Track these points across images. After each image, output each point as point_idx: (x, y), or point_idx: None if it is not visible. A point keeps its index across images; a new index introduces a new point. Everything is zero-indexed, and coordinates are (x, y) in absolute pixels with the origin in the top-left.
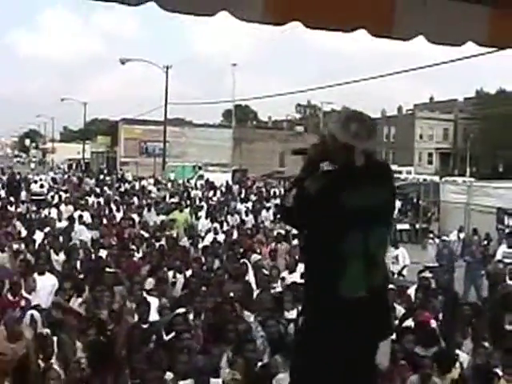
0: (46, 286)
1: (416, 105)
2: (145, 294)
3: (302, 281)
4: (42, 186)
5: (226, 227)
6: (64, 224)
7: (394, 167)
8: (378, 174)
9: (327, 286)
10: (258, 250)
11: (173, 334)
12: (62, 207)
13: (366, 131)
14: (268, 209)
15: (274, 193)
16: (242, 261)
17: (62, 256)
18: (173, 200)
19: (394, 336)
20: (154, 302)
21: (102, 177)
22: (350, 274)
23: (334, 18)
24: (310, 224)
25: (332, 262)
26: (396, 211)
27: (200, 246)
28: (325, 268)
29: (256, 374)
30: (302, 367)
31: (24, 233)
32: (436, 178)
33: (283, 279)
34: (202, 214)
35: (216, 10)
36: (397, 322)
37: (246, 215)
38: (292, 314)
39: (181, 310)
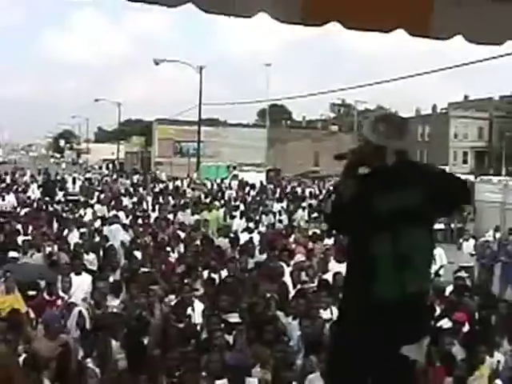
0: (82, 285)
1: (450, 103)
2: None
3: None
4: (74, 182)
5: (260, 227)
6: (99, 224)
7: None
8: (411, 174)
9: (360, 289)
10: (296, 250)
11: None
12: (97, 207)
13: (396, 131)
14: (303, 208)
15: (310, 192)
16: (279, 263)
17: (91, 255)
18: (206, 200)
19: (428, 339)
20: (199, 305)
21: (136, 177)
22: (381, 277)
23: (372, 18)
24: (345, 228)
25: (364, 266)
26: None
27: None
28: (358, 270)
29: (286, 375)
30: (333, 368)
31: (60, 233)
32: (471, 177)
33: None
34: (237, 213)
35: (254, 11)
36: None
37: (280, 215)
38: (327, 314)
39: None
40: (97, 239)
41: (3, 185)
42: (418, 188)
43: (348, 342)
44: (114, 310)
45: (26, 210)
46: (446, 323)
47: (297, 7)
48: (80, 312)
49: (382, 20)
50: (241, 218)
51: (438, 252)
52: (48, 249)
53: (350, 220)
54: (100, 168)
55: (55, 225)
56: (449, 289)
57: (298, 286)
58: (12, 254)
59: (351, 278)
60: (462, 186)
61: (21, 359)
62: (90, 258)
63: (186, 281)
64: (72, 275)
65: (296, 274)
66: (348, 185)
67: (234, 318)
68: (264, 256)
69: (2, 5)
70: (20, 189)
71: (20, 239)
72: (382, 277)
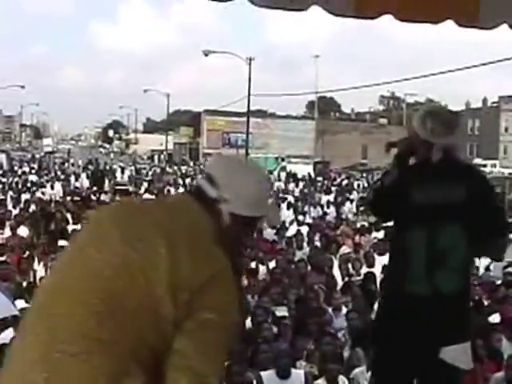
0: None
1: (501, 97)
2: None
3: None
4: (122, 172)
5: (308, 219)
6: None
7: (478, 160)
8: (455, 173)
9: (393, 280)
10: (342, 242)
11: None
12: (146, 197)
13: (444, 127)
14: (351, 201)
15: (358, 185)
16: (328, 255)
17: None
18: None
19: (468, 343)
20: None
21: (184, 168)
22: (413, 271)
23: (423, 9)
24: (386, 217)
25: (398, 257)
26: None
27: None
28: (393, 262)
29: (332, 368)
30: (374, 362)
31: None
32: None
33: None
34: (285, 205)
35: (308, 4)
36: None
37: (328, 207)
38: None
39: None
40: None
41: (52, 174)
42: (458, 187)
43: (381, 336)
44: None
45: (76, 198)
46: (495, 318)
47: (350, 0)
48: None
49: (433, 11)
50: (288, 209)
51: None
52: None
53: (388, 207)
54: (149, 158)
55: None
56: (498, 284)
57: (346, 279)
58: (61, 242)
59: (388, 268)
60: (499, 217)
61: None
62: None
63: None
64: None
65: (343, 266)
66: (391, 173)
67: (281, 310)
68: (310, 248)
69: None
70: (72, 178)
71: (70, 228)
72: (414, 271)
